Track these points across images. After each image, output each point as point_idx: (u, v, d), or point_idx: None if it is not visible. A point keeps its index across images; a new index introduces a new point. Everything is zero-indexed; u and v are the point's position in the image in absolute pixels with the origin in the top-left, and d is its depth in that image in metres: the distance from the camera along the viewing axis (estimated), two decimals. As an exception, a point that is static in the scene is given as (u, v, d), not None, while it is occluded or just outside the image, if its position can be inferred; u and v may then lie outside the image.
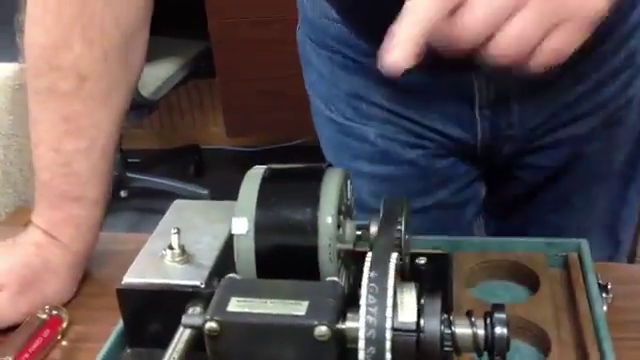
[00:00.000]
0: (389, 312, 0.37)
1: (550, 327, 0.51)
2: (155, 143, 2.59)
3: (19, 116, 0.99)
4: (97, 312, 0.62)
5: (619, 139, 0.76)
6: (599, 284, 0.53)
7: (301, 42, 0.82)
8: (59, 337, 0.59)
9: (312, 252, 0.46)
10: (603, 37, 0.73)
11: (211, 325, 0.40)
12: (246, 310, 0.40)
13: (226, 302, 0.41)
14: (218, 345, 0.40)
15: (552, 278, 0.56)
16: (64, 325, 0.59)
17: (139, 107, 2.04)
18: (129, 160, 2.36)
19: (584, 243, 0.57)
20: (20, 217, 0.92)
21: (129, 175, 2.33)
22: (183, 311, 0.47)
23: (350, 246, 0.48)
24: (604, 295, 0.53)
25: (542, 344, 0.51)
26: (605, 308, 0.52)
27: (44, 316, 0.58)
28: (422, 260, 0.57)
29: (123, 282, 0.50)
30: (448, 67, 0.70)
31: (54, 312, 0.59)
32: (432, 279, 0.56)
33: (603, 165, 0.77)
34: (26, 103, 0.98)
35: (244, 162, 0.51)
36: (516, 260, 0.57)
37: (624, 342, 0.53)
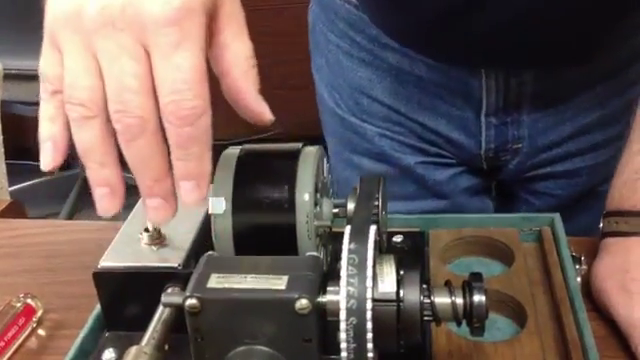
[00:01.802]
0: (369, 282, 0.37)
1: (526, 300, 0.51)
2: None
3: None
4: (72, 300, 0.61)
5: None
6: (573, 256, 0.54)
7: (312, 23, 0.81)
8: (34, 325, 0.58)
9: (290, 230, 0.46)
10: (627, 64, 0.71)
11: (191, 302, 0.39)
12: (226, 286, 0.40)
13: (206, 279, 0.40)
14: (199, 322, 0.40)
15: (526, 252, 0.57)
16: (39, 313, 0.58)
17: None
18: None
19: (557, 217, 0.58)
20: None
21: (99, 171, 2.30)
22: (161, 293, 0.47)
23: (328, 223, 0.48)
24: (577, 267, 0.54)
25: (518, 317, 0.51)
26: (579, 279, 0.53)
27: (18, 304, 0.58)
28: (399, 238, 0.58)
29: (99, 266, 0.50)
30: (457, 63, 0.69)
31: (28, 300, 0.58)
32: (409, 256, 0.56)
33: None
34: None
35: (217, 157, 0.51)
36: (490, 236, 0.58)
37: (598, 312, 0.55)
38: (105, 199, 0.40)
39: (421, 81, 0.72)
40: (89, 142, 0.39)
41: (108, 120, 0.38)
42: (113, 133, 0.39)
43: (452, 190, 0.78)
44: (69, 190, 2.24)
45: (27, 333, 0.57)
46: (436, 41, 0.69)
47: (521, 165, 0.75)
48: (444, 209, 0.78)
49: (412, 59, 0.71)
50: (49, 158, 0.41)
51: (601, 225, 0.58)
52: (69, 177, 2.33)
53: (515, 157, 0.74)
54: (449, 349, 0.47)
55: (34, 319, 0.58)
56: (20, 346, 0.57)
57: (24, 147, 2.45)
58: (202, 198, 0.40)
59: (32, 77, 1.84)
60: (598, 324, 0.53)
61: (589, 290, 0.56)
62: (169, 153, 0.40)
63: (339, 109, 0.80)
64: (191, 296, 0.39)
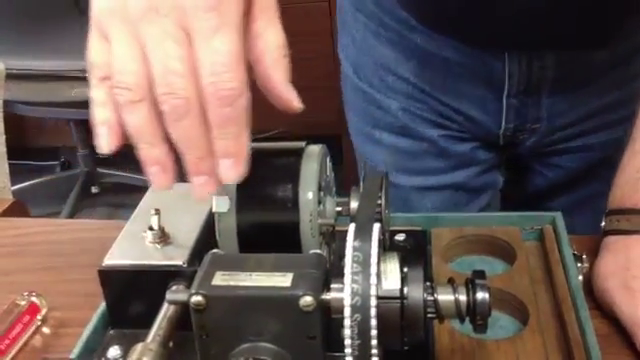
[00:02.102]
0: (373, 280, 0.38)
1: (528, 298, 0.52)
2: (125, 138, 2.56)
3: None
4: (76, 298, 0.61)
5: None
6: (574, 254, 0.54)
7: (340, 4, 0.83)
8: (39, 323, 0.58)
9: (294, 228, 0.46)
10: None
11: (197, 299, 0.40)
12: (231, 283, 0.40)
13: (211, 276, 0.41)
14: (204, 319, 0.40)
15: (528, 251, 0.57)
16: (43, 311, 0.59)
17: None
18: (99, 156, 2.33)
19: (558, 216, 0.58)
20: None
21: (100, 171, 2.31)
22: (165, 291, 0.47)
23: (331, 221, 0.49)
24: (579, 265, 0.54)
25: (521, 314, 0.52)
26: (581, 278, 0.53)
27: (23, 302, 0.58)
28: (401, 236, 0.58)
29: (104, 264, 0.50)
30: (482, 47, 0.71)
31: (33, 298, 0.58)
32: (411, 255, 0.57)
33: None
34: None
35: None
36: (492, 234, 0.58)
37: (600, 310, 0.55)
38: (157, 176, 0.42)
39: (446, 62, 0.74)
40: (138, 124, 0.41)
41: (155, 103, 0.40)
42: (160, 115, 0.40)
43: (472, 161, 0.81)
44: (69, 190, 2.24)
45: (32, 331, 0.58)
46: (463, 25, 0.72)
47: (537, 143, 0.78)
48: (460, 184, 0.82)
49: (438, 42, 0.74)
50: (105, 141, 0.43)
51: (603, 224, 0.59)
52: (70, 177, 2.33)
53: (532, 136, 0.77)
54: (452, 347, 0.48)
55: (39, 317, 0.58)
56: (25, 344, 0.57)
57: (25, 147, 2.47)
58: (240, 175, 0.42)
59: (33, 77, 1.84)
60: (601, 322, 0.54)
61: (591, 288, 0.56)
62: None
63: (363, 84, 0.82)
64: (196, 293, 0.40)
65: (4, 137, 1.01)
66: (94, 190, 2.34)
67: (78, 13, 1.86)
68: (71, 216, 2.13)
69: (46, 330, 0.59)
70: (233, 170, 0.41)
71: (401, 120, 0.80)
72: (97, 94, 0.43)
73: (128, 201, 2.27)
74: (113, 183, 2.31)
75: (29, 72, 1.93)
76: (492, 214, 0.60)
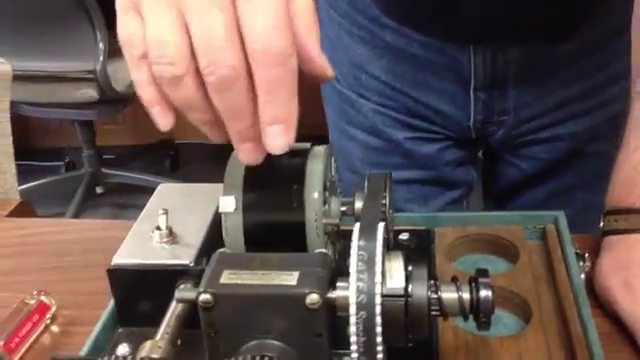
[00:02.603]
0: (378, 278, 0.38)
1: (531, 296, 0.52)
2: (130, 138, 2.58)
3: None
4: (84, 297, 0.62)
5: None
6: (576, 253, 0.55)
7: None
8: (48, 322, 0.59)
9: (300, 227, 0.47)
10: (612, 36, 0.75)
11: (205, 297, 0.40)
12: (238, 282, 0.41)
13: (218, 275, 0.41)
14: (212, 317, 0.41)
15: (531, 250, 0.57)
16: (52, 310, 0.59)
17: (113, 102, 2.04)
18: (104, 156, 2.35)
19: (561, 215, 0.59)
20: (-1, 209, 0.91)
21: (104, 171, 2.32)
22: (173, 290, 0.48)
23: (336, 221, 0.49)
24: (581, 263, 0.55)
25: (523, 312, 0.52)
26: (583, 276, 0.54)
27: (32, 301, 0.59)
28: (405, 236, 0.59)
29: (113, 263, 0.51)
30: (448, 40, 0.73)
31: (42, 297, 0.59)
32: (415, 254, 0.57)
33: (606, 164, 0.74)
34: (3, 96, 0.97)
35: (219, 156, 0.52)
36: (495, 233, 0.59)
37: (601, 308, 0.55)
38: (212, 134, 0.42)
39: (416, 59, 0.77)
40: (187, 98, 0.39)
41: (199, 75, 0.38)
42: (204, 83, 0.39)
43: (437, 162, 0.84)
44: (74, 190, 2.25)
45: (41, 330, 0.58)
46: (429, 19, 0.74)
47: (506, 135, 0.80)
48: (428, 179, 0.84)
49: (408, 39, 0.76)
50: (164, 120, 0.41)
51: (601, 224, 0.59)
52: (74, 177, 2.34)
53: (501, 128, 0.79)
54: (456, 344, 0.48)
55: (48, 316, 0.59)
56: (34, 342, 0.58)
57: (29, 148, 2.48)
58: (289, 143, 0.40)
59: (38, 78, 1.84)
60: (602, 320, 0.54)
61: (593, 287, 0.56)
62: None
63: (338, 83, 0.84)
64: (205, 291, 0.40)
65: (11, 138, 1.02)
66: (99, 190, 2.35)
67: (83, 14, 1.86)
68: (76, 216, 2.14)
69: (55, 329, 0.60)
70: (282, 137, 0.40)
71: (371, 121, 0.83)
72: (138, 75, 0.41)
73: (132, 201, 2.29)
74: (117, 183, 2.33)
75: (34, 73, 1.94)
76: (495, 213, 0.61)
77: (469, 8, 0.70)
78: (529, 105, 0.77)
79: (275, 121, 0.39)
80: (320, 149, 0.50)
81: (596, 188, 0.77)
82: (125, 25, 0.41)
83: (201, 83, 0.39)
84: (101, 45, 1.91)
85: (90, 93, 2.00)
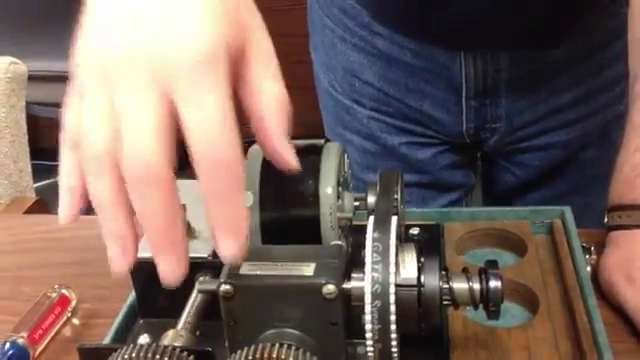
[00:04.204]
0: (392, 268, 0.40)
1: (538, 288, 0.54)
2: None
3: (11, 108, 1.00)
4: (104, 291, 0.64)
5: (615, 147, 0.73)
6: (582, 246, 0.57)
7: (310, 5, 0.86)
8: (69, 315, 0.61)
9: (314, 221, 0.48)
10: (605, 43, 0.76)
11: (225, 288, 0.42)
12: (257, 272, 0.43)
13: (238, 266, 0.43)
14: (232, 306, 0.43)
15: (538, 244, 0.59)
16: (73, 303, 0.61)
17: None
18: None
19: (567, 210, 0.61)
20: (16, 207, 0.93)
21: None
22: (192, 282, 0.50)
23: (349, 215, 0.51)
24: (587, 256, 0.56)
25: (531, 304, 0.54)
26: (589, 268, 0.55)
27: (54, 295, 0.61)
28: (415, 230, 0.60)
29: (134, 256, 0.52)
30: (438, 46, 0.74)
31: (63, 291, 0.61)
32: (426, 247, 0.59)
33: (598, 170, 0.77)
34: (19, 95, 0.99)
35: (244, 152, 0.53)
36: (503, 228, 0.60)
37: (606, 301, 0.57)
38: (115, 257, 0.40)
39: (408, 66, 0.77)
40: (103, 195, 0.37)
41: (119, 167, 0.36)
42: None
43: (433, 167, 0.85)
44: (84, 190, 2.28)
45: (62, 322, 0.60)
46: (419, 24, 0.75)
47: (499, 142, 0.81)
48: (425, 182, 0.85)
49: (400, 46, 0.77)
50: (67, 213, 0.41)
51: (605, 220, 0.61)
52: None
53: (494, 134, 0.80)
54: (465, 334, 0.50)
55: (69, 309, 0.61)
56: (56, 334, 0.60)
57: (39, 147, 2.50)
58: (241, 251, 0.37)
59: (48, 78, 1.86)
60: (607, 312, 0.56)
61: (597, 281, 0.58)
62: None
63: (333, 90, 0.85)
64: (225, 282, 0.42)
65: (27, 137, 1.04)
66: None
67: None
68: (86, 214, 2.15)
69: (75, 321, 0.62)
70: (232, 247, 0.37)
71: (367, 126, 0.83)
72: (66, 161, 0.40)
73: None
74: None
75: (45, 74, 1.96)
76: (503, 209, 0.62)
77: (458, 13, 0.70)
78: (521, 113, 0.78)
79: (223, 227, 0.37)
80: (334, 145, 0.52)
81: (590, 190, 0.79)
82: (69, 107, 0.40)
83: (121, 182, 0.36)
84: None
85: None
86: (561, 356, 0.49)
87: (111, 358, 0.41)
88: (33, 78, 1.88)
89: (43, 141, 2.56)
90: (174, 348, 0.41)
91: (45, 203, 0.97)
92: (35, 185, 2.03)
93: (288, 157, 0.40)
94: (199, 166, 0.36)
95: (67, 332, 0.61)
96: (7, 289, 0.67)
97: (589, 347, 0.48)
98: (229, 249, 0.37)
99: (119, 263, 0.39)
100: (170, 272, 0.38)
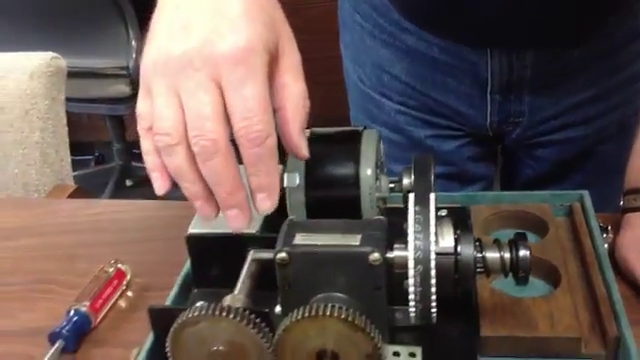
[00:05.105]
0: (433, 237, 0.45)
1: (559, 264, 0.59)
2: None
3: (53, 101, 1.05)
4: (153, 266, 0.70)
5: (632, 141, 0.75)
6: (600, 226, 0.61)
7: (340, 2, 0.90)
8: (124, 287, 0.66)
9: (355, 201, 0.53)
10: (628, 41, 0.79)
11: (282, 255, 0.47)
12: (310, 242, 0.48)
13: (292, 237, 0.48)
14: (287, 273, 0.48)
15: (559, 225, 0.64)
16: (128, 277, 0.67)
17: (144, 97, 2.11)
18: (134, 150, 2.43)
19: (586, 194, 0.65)
20: (58, 194, 0.98)
21: (134, 164, 2.40)
22: (241, 255, 0.55)
23: (386, 194, 0.56)
24: (604, 235, 0.61)
25: (553, 279, 0.58)
26: (606, 246, 0.60)
27: (111, 269, 0.66)
28: (444, 212, 0.65)
29: (189, 232, 0.57)
30: (466, 44, 0.78)
31: (119, 265, 0.66)
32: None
33: (615, 163, 0.79)
34: (59, 89, 1.05)
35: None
36: (526, 210, 0.65)
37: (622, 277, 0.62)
38: (203, 208, 0.47)
39: (435, 62, 0.81)
40: (177, 165, 0.45)
41: (189, 147, 0.45)
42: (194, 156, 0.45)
43: (457, 159, 0.89)
44: (104, 183, 2.33)
45: (119, 294, 0.65)
46: (447, 23, 0.79)
47: (521, 135, 0.85)
48: (449, 174, 0.89)
49: (428, 42, 0.81)
50: (158, 183, 0.48)
51: (621, 202, 0.65)
52: (105, 171, 2.43)
53: (516, 128, 0.84)
54: (493, 302, 0.55)
55: (125, 282, 0.66)
56: (113, 305, 0.65)
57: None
58: (273, 206, 0.47)
59: (71, 74, 1.91)
60: (622, 287, 0.60)
61: (614, 259, 0.63)
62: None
63: (362, 84, 0.89)
64: (281, 250, 0.47)
65: (66, 128, 1.09)
66: (128, 183, 2.43)
67: (117, 14, 1.94)
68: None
69: (130, 294, 0.67)
70: (267, 202, 0.47)
71: (394, 119, 0.87)
72: (144, 143, 0.48)
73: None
74: (147, 176, 2.39)
75: (69, 70, 2.01)
76: (525, 193, 0.67)
77: (485, 12, 0.74)
78: (542, 108, 0.81)
79: (259, 189, 0.46)
80: (372, 132, 0.56)
81: (606, 184, 0.83)
82: (139, 103, 0.48)
83: (191, 154, 0.45)
84: (133, 43, 1.99)
85: (122, 89, 2.08)
86: (581, 323, 0.53)
87: (181, 315, 0.46)
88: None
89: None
90: (237, 308, 0.46)
91: (84, 191, 1.02)
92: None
93: (300, 145, 0.48)
94: (239, 139, 0.45)
95: (123, 303, 0.66)
96: (62, 265, 0.72)
97: (607, 314, 0.53)
98: (263, 201, 0.46)
99: (207, 210, 0.47)
100: (239, 223, 0.47)
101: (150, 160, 0.48)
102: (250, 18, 0.45)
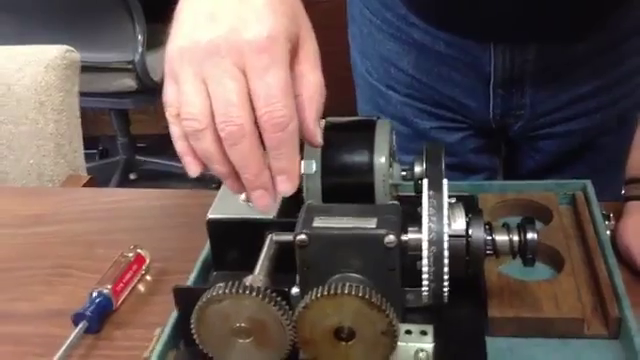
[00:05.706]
0: (446, 220, 0.47)
1: (563, 249, 0.61)
2: (163, 127, 2.67)
3: (67, 93, 1.08)
4: (171, 252, 0.72)
5: (632, 134, 0.78)
6: (603, 214, 0.64)
7: None
8: (143, 272, 0.69)
9: (369, 187, 0.56)
10: (630, 35, 0.81)
11: (301, 237, 0.50)
12: (328, 225, 0.50)
13: (311, 220, 0.51)
14: (306, 254, 0.50)
15: (562, 213, 0.66)
16: (147, 262, 0.69)
17: (150, 91, 2.13)
18: (138, 144, 2.45)
19: (588, 183, 0.68)
20: (72, 183, 1.01)
21: (138, 158, 2.42)
22: (259, 240, 0.57)
23: (398, 182, 0.58)
24: (607, 222, 0.63)
25: (557, 263, 0.61)
26: (608, 232, 0.63)
27: (130, 254, 0.68)
28: (452, 200, 0.67)
29: (209, 217, 0.60)
30: (470, 38, 0.81)
31: (138, 250, 0.69)
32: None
33: (616, 155, 0.81)
34: (73, 81, 1.07)
35: None
36: (531, 198, 0.67)
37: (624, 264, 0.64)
38: (231, 184, 0.49)
39: (440, 55, 0.83)
40: (206, 150, 0.47)
41: (216, 131, 0.47)
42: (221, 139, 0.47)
43: (461, 150, 0.91)
44: (108, 177, 2.36)
45: (138, 278, 0.68)
46: (452, 18, 0.81)
47: (523, 127, 0.87)
48: (453, 164, 0.91)
49: (433, 37, 0.83)
50: (192, 167, 0.50)
51: (623, 191, 0.68)
52: (109, 164, 2.45)
53: (519, 121, 0.86)
54: (500, 284, 0.57)
55: (144, 267, 0.68)
56: (133, 289, 0.67)
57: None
58: (294, 188, 0.49)
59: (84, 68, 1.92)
60: (624, 273, 0.62)
61: (616, 245, 0.65)
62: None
63: (369, 76, 0.92)
64: (301, 232, 0.50)
65: (80, 120, 1.11)
66: (132, 177, 2.46)
67: (123, 8, 1.96)
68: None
69: (149, 278, 0.69)
70: (287, 184, 0.48)
71: (400, 111, 0.90)
72: (174, 129, 0.49)
73: (164, 187, 2.39)
74: (150, 170, 2.43)
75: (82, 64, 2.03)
76: (531, 182, 0.69)
77: (489, 7, 0.76)
78: (544, 101, 0.84)
79: (281, 172, 0.48)
80: (385, 122, 0.59)
81: (607, 175, 0.85)
82: (167, 91, 0.50)
83: (218, 138, 0.47)
84: (140, 37, 2.01)
85: (128, 83, 2.10)
86: (584, 305, 0.56)
87: (206, 294, 0.48)
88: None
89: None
90: (258, 286, 0.48)
91: (97, 181, 1.05)
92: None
93: (315, 133, 0.50)
94: (263, 124, 0.46)
95: (142, 287, 0.68)
96: (82, 251, 0.75)
97: (609, 296, 0.55)
98: (284, 183, 0.48)
99: (237, 189, 0.50)
100: (265, 202, 0.49)
101: (180, 145, 0.50)
102: (273, 9, 0.47)
